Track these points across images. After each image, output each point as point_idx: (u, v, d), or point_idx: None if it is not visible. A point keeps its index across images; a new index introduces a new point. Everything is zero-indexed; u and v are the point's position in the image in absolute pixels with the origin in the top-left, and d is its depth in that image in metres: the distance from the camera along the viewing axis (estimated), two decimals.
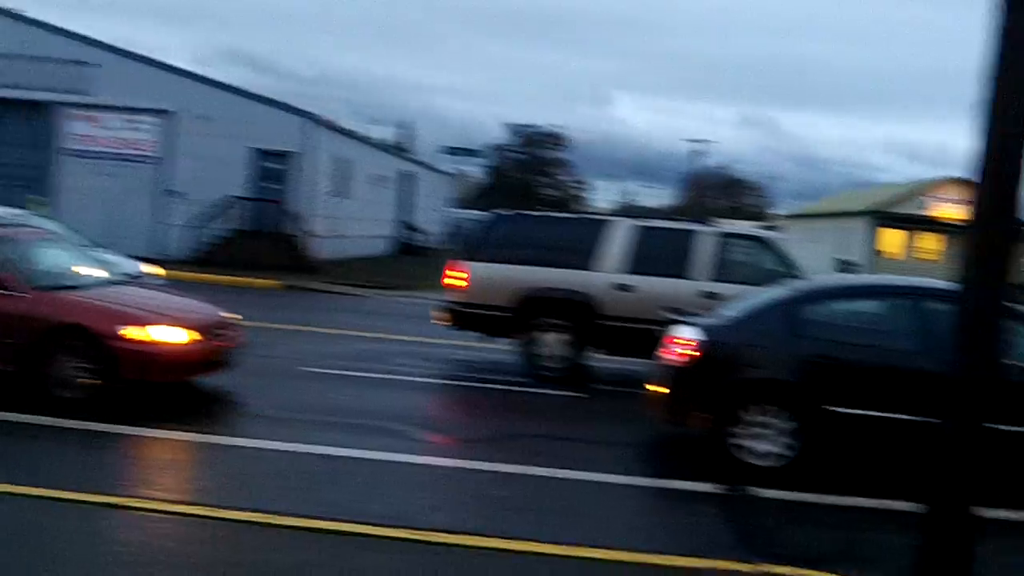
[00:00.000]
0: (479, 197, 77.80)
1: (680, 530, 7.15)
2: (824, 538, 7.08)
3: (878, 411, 8.31)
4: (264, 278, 25.33)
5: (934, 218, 49.54)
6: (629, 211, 58.80)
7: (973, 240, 2.76)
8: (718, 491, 7.97)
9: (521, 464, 8.29)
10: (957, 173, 48.91)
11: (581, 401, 11.83)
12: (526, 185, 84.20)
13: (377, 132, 49.18)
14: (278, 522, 6.25)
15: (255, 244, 29.45)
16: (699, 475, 8.34)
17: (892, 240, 51.50)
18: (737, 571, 6.03)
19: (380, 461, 8.15)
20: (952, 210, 48.39)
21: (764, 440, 8.46)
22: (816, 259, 47.16)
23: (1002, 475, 8.66)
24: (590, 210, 59.63)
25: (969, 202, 2.80)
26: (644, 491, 8.11)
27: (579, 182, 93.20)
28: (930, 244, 50.94)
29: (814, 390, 8.47)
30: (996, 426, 7.89)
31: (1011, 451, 8.29)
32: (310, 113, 31.35)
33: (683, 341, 8.80)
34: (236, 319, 10.75)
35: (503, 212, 14.07)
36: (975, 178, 2.72)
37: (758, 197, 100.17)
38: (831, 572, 5.98)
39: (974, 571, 6.05)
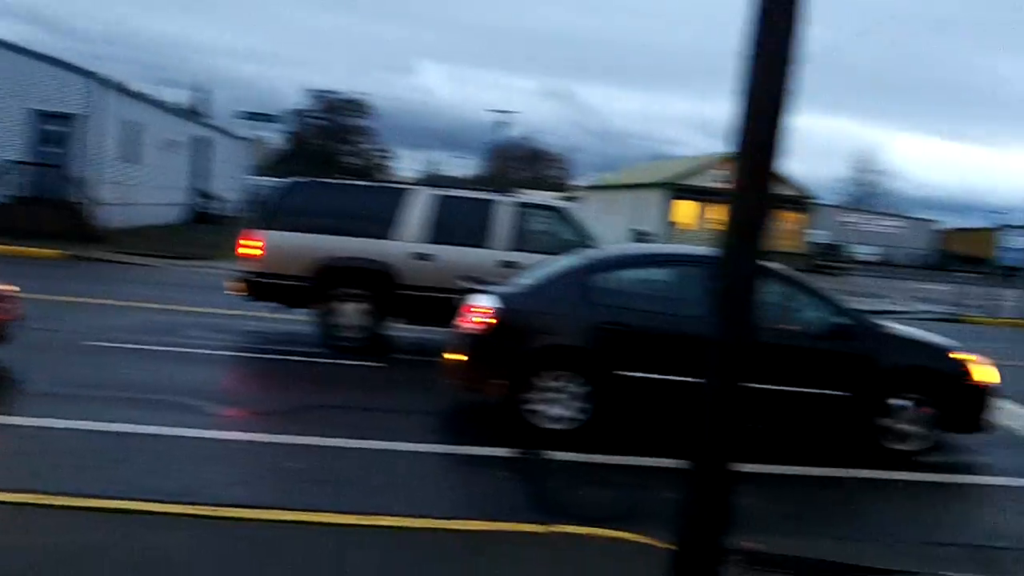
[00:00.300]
0: (279, 164, 76.00)
1: (477, 495, 7.27)
2: (613, 497, 7.36)
3: (665, 374, 8.68)
4: (45, 248, 23.97)
5: (725, 190, 51.93)
6: (433, 180, 58.86)
7: (733, 210, 2.92)
8: (514, 456, 8.15)
9: (319, 436, 8.23)
10: None
11: (380, 371, 11.81)
12: (328, 152, 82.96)
13: (170, 95, 47.28)
14: (64, 503, 5.99)
15: (35, 212, 27.81)
16: (496, 441, 8.51)
17: (686, 211, 53.60)
18: (530, 532, 6.20)
19: (172, 437, 7.90)
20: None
21: (558, 405, 8.71)
22: (614, 229, 48.55)
23: (779, 431, 9.27)
24: (393, 179, 59.29)
25: (730, 174, 2.95)
26: (442, 458, 8.20)
27: (383, 150, 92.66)
28: (721, 215, 53.35)
29: (606, 355, 8.77)
30: (763, 386, 8.62)
31: (782, 408, 8.91)
32: (96, 73, 29.78)
33: (479, 309, 8.93)
34: (13, 291, 10.14)
35: (300, 179, 13.78)
36: (735, 151, 2.86)
37: (560, 168, 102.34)
38: (619, 530, 6.23)
39: (734, 522, 6.45)
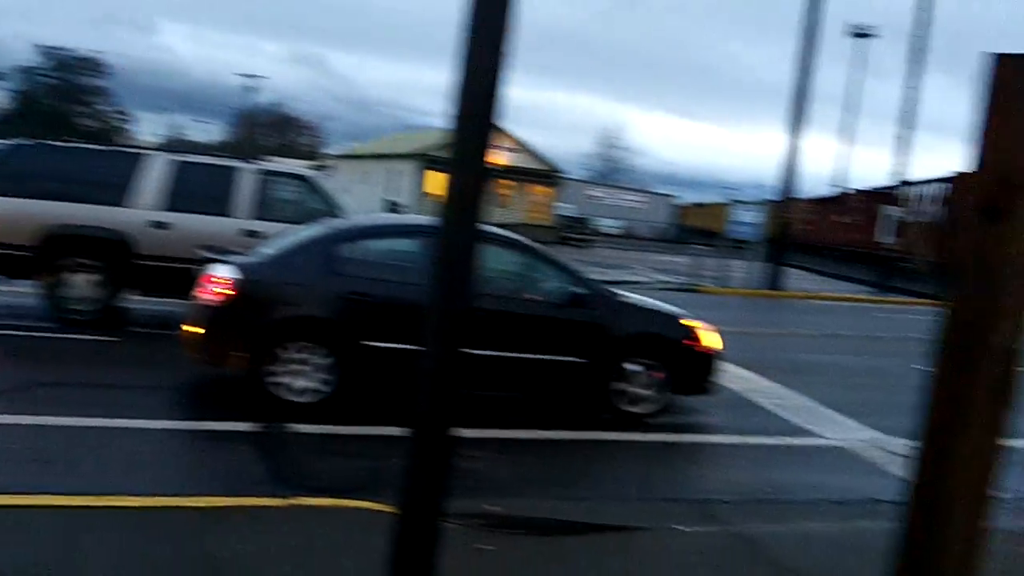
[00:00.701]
0: (3, 124, 70.58)
1: (217, 471, 7.06)
2: (355, 468, 7.34)
3: (409, 344, 8.70)
4: None
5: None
6: (175, 145, 56.46)
7: (450, 180, 2.93)
8: (257, 430, 7.97)
9: (47, 415, 7.72)
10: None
11: (115, 345, 11.24)
12: (60, 113, 77.62)
13: None
14: None
15: None
16: (238, 415, 8.29)
17: (438, 182, 53.94)
18: (272, 506, 6.08)
19: None
20: (491, 155, 51.71)
21: (302, 377, 8.58)
22: (366, 199, 48.17)
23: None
24: (131, 143, 56.33)
25: (449, 144, 2.96)
26: (180, 434, 7.93)
27: (121, 113, 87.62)
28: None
29: (350, 326, 8.70)
30: (504, 353, 8.85)
31: (524, 374, 9.18)
32: None
33: (219, 280, 8.65)
34: None
35: (23, 141, 12.86)
36: (453, 121, 2.87)
37: (311, 136, 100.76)
38: (359, 500, 6.22)
39: (475, 486, 6.60)
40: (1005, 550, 6.39)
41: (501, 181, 55.83)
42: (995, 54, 1.93)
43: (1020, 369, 2.04)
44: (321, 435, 8.05)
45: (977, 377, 1.93)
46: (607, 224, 78.89)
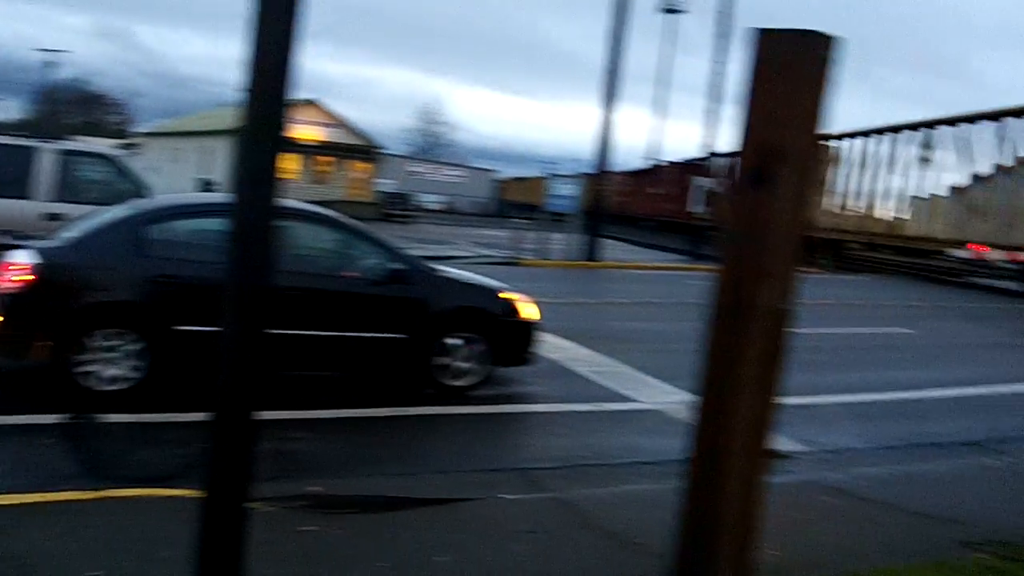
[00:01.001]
0: None
1: (19, 467, 6.72)
2: (170, 456, 7.13)
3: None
4: None
5: (292, 139, 51.65)
6: None
7: (243, 155, 2.88)
8: (63, 422, 7.64)
9: None
10: (311, 95, 51.80)
11: None
12: None
13: None
14: None
15: None
16: (42, 407, 7.91)
17: None
18: (82, 500, 5.86)
19: None
20: (309, 131, 50.97)
21: (111, 365, 8.27)
22: (178, 178, 46.59)
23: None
24: None
25: (240, 117, 2.91)
26: None
27: None
28: (289, 164, 53.05)
29: (161, 310, 8.44)
30: (321, 333, 8.78)
31: (342, 353, 9.13)
32: None
33: (18, 266, 8.24)
34: None
35: None
36: (246, 92, 2.82)
37: (118, 114, 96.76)
38: (175, 488, 6.06)
39: (295, 468, 6.56)
40: (808, 500, 6.82)
41: (319, 158, 54.98)
42: (758, 29, 2.05)
43: (791, 329, 2.17)
44: (133, 424, 7.79)
45: (747, 337, 2.05)
46: (429, 200, 78.72)
